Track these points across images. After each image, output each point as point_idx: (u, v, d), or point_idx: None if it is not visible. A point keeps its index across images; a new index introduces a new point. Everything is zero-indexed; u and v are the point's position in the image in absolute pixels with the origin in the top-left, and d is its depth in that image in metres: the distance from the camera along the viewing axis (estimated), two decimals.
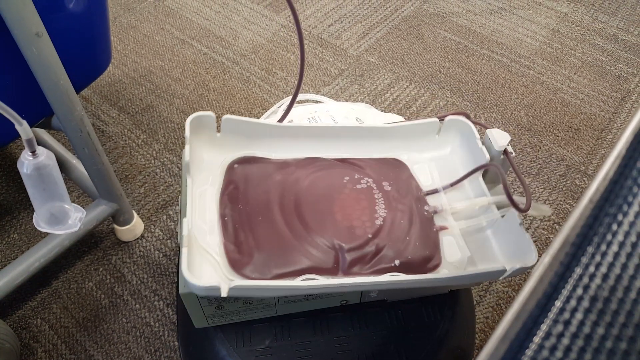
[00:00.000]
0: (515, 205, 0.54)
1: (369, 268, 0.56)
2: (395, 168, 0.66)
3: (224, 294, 0.48)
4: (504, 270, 0.52)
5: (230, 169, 0.63)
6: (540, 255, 0.67)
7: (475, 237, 0.60)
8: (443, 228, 0.60)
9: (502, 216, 0.58)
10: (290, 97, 0.66)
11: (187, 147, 0.58)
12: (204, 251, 0.55)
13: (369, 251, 0.56)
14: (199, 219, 0.57)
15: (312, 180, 0.62)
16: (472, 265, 0.58)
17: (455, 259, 0.57)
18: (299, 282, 0.52)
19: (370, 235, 0.57)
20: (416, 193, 0.63)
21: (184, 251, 0.50)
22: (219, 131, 0.63)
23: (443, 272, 0.56)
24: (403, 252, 0.57)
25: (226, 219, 0.58)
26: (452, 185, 0.64)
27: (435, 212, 0.61)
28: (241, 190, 0.61)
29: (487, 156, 0.61)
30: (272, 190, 0.61)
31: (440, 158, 0.67)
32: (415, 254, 0.57)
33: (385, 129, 0.66)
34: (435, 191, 0.64)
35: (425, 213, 0.61)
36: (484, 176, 0.62)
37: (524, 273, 0.55)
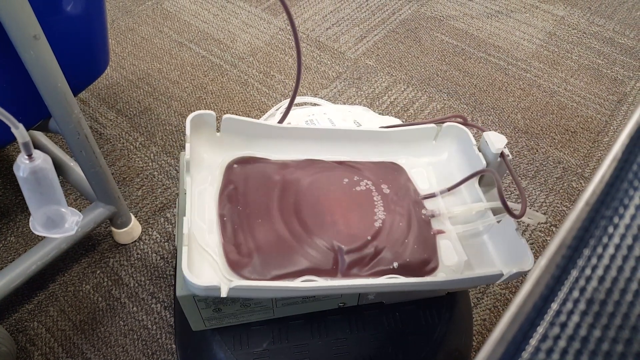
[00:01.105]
0: (509, 212, 0.55)
1: (368, 270, 0.56)
2: (393, 171, 0.66)
3: (223, 294, 0.48)
4: (501, 275, 0.52)
5: (229, 168, 0.63)
6: (536, 259, 0.68)
7: (472, 242, 0.60)
8: (440, 232, 0.60)
9: (498, 221, 0.59)
10: (288, 100, 0.66)
11: (187, 145, 0.58)
12: (202, 251, 0.55)
13: (368, 253, 0.56)
14: (198, 218, 0.57)
15: (312, 181, 0.62)
16: (469, 269, 0.58)
17: (452, 263, 0.58)
18: (297, 283, 0.52)
19: (369, 237, 0.57)
20: (414, 197, 0.63)
21: (184, 250, 0.49)
22: (218, 131, 0.63)
23: (440, 276, 0.56)
24: (401, 254, 0.57)
25: (225, 219, 0.58)
26: (449, 190, 0.64)
27: (433, 216, 0.62)
28: (240, 190, 0.61)
29: (484, 162, 0.61)
30: (271, 191, 0.61)
31: (437, 163, 0.68)
32: (414, 256, 0.57)
33: (383, 133, 0.67)
34: (432, 195, 0.64)
35: (423, 217, 0.62)
36: (480, 181, 0.63)
37: (520, 277, 0.55)
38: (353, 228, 0.58)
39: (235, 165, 0.63)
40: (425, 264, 0.57)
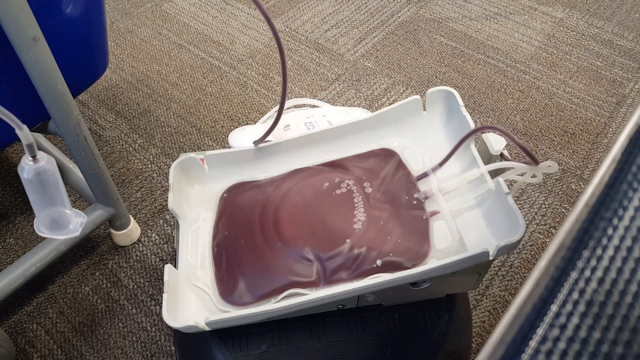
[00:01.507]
0: (530, 155, 0.51)
1: (352, 273, 0.56)
2: (383, 160, 0.65)
3: (204, 328, 0.52)
4: (487, 253, 0.49)
5: (221, 199, 0.65)
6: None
7: (467, 216, 0.58)
8: (435, 213, 0.59)
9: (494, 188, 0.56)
10: (288, 102, 0.66)
11: (170, 194, 0.61)
12: (194, 286, 0.57)
13: (349, 256, 0.56)
14: (190, 258, 0.59)
15: (292, 192, 0.63)
16: (463, 248, 0.56)
17: (445, 245, 0.57)
18: (271, 305, 0.53)
19: (348, 240, 0.58)
20: (405, 182, 0.63)
21: (165, 297, 0.52)
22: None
23: (424, 265, 0.53)
24: (385, 251, 0.56)
25: (217, 249, 0.60)
26: (440, 165, 0.62)
27: (427, 197, 0.61)
28: (229, 217, 0.62)
29: (472, 124, 0.59)
30: (254, 210, 0.62)
31: (430, 137, 0.66)
32: (398, 250, 0.56)
33: (371, 120, 0.66)
34: (425, 175, 0.63)
35: (415, 202, 0.61)
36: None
37: (512, 250, 0.52)
38: (331, 233, 0.58)
39: (225, 195, 0.65)
40: (413, 255, 0.56)
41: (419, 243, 0.57)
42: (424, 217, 0.60)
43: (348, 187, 0.63)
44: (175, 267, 0.57)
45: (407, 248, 0.57)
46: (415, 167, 0.65)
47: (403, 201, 0.61)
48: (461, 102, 0.62)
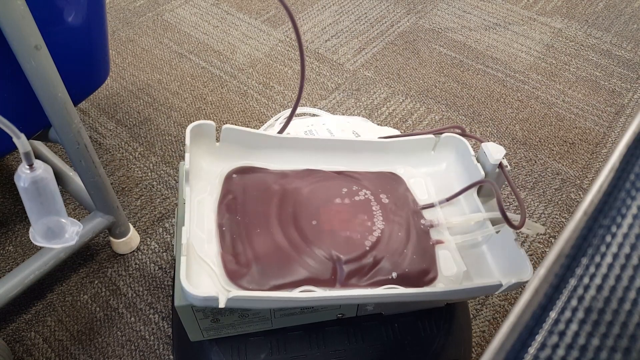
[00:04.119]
0: (509, 222, 0.55)
1: (367, 280, 0.55)
2: (392, 181, 0.66)
3: (222, 304, 0.48)
4: (500, 285, 0.52)
5: (228, 178, 0.63)
6: (535, 269, 0.68)
7: (471, 252, 0.60)
8: (439, 242, 0.60)
9: (497, 232, 0.59)
10: (289, 110, 0.67)
11: (187, 155, 0.58)
12: (201, 261, 0.54)
13: (367, 263, 0.56)
14: (197, 228, 0.57)
15: (310, 191, 0.62)
16: (467, 279, 0.58)
17: (451, 273, 0.57)
18: (295, 293, 0.51)
19: (367, 247, 0.57)
20: (413, 207, 0.63)
21: (183, 260, 0.49)
22: (218, 141, 0.63)
23: (439, 286, 0.56)
24: (400, 264, 0.57)
25: (224, 229, 0.58)
26: (447, 200, 0.64)
27: (432, 226, 0.62)
28: (239, 200, 0.61)
29: (482, 173, 0.61)
30: (270, 201, 0.61)
31: (436, 173, 0.68)
32: (413, 267, 0.57)
33: (381, 143, 0.67)
34: (431, 205, 0.64)
35: (422, 227, 0.61)
36: (479, 191, 0.63)
37: (519, 287, 0.55)
38: (352, 238, 0.58)
39: (234, 175, 0.63)
40: (424, 274, 0.57)
41: (429, 265, 0.58)
42: (431, 243, 0.60)
43: (366, 196, 0.63)
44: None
45: (420, 266, 0.57)
46: (420, 196, 0.65)
47: (413, 221, 0.62)
48: (472, 152, 0.64)
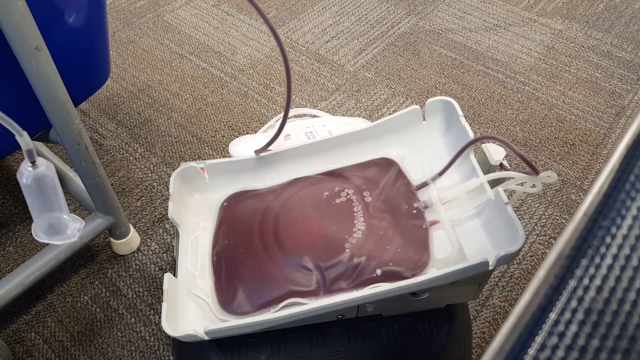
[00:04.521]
0: (531, 165, 0.52)
1: (351, 282, 0.56)
2: (383, 170, 0.65)
3: (204, 337, 0.51)
4: (487, 262, 0.49)
5: (221, 208, 0.65)
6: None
7: (467, 226, 0.58)
8: (434, 222, 0.59)
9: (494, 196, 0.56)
10: (289, 111, 0.67)
11: (170, 203, 0.61)
12: (194, 296, 0.57)
13: (349, 265, 0.56)
14: (190, 266, 0.59)
15: (291, 202, 0.63)
16: (463, 258, 0.56)
17: (445, 255, 0.57)
18: (269, 315, 0.53)
19: (347, 250, 0.57)
20: (405, 192, 0.63)
21: (164, 306, 0.52)
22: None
23: (423, 275, 0.53)
24: (384, 260, 0.56)
25: (217, 258, 0.60)
26: (440, 174, 0.62)
27: (426, 206, 0.61)
28: (229, 226, 0.63)
29: (471, 134, 0.59)
30: (254, 219, 0.62)
31: (430, 147, 0.66)
32: (398, 260, 0.56)
33: (371, 129, 0.66)
34: (425, 184, 0.63)
35: (415, 211, 0.61)
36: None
37: (512, 260, 0.52)
38: (331, 243, 0.58)
39: (225, 204, 0.66)
40: (413, 264, 0.56)
41: (418, 252, 0.57)
42: (424, 227, 0.60)
43: (348, 197, 0.63)
44: (174, 276, 0.57)
45: (407, 257, 0.57)
46: (414, 176, 0.65)
47: (403, 210, 0.61)
48: (460, 112, 0.62)
